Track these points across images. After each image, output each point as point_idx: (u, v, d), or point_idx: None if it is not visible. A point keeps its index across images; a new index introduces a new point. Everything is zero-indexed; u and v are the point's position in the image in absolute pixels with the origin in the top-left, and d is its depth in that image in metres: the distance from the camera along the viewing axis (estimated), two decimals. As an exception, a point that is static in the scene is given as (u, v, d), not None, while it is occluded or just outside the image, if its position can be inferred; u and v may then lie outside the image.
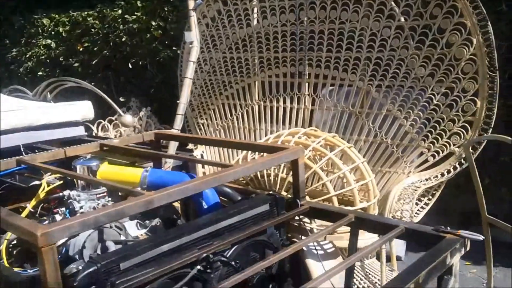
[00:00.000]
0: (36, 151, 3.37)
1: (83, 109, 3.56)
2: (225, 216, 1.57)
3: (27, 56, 6.54)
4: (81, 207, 1.72)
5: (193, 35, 2.98)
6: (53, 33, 6.20)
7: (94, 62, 5.59)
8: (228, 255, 1.52)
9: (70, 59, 5.94)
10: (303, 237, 2.04)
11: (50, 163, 2.15)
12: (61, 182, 1.83)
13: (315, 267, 2.15)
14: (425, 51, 2.83)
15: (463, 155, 2.80)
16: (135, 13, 5.09)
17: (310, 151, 2.44)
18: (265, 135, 3.66)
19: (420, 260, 1.37)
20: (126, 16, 5.16)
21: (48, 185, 1.83)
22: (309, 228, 2.14)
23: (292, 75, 3.53)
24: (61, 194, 1.78)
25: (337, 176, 2.46)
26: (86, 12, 5.71)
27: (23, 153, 3.19)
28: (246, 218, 1.61)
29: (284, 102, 3.56)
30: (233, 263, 1.51)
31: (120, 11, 5.27)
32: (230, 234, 1.54)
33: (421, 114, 2.90)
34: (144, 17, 5.04)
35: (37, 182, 1.96)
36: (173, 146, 2.41)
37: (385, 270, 2.52)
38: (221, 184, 1.62)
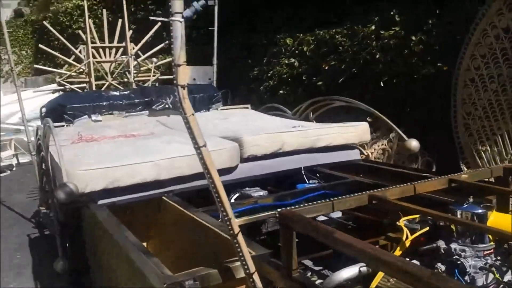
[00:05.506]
0: (317, 174, 3.24)
1: (361, 131, 3.32)
2: None
3: (269, 74, 6.75)
4: (469, 266, 1.36)
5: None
6: (296, 52, 6.27)
7: (341, 80, 5.42)
8: None
9: (314, 78, 5.89)
10: None
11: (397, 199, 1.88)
12: (427, 228, 1.51)
13: None
14: None
15: None
16: (392, 28, 4.75)
17: None
18: None
19: None
20: (381, 31, 4.85)
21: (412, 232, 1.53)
22: None
23: None
24: (433, 245, 1.46)
25: None
26: (334, 30, 5.59)
27: (305, 177, 3.08)
28: None
29: None
30: None
31: (373, 27, 5.00)
32: None
33: None
34: (402, 31, 4.67)
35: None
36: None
37: None
38: None
